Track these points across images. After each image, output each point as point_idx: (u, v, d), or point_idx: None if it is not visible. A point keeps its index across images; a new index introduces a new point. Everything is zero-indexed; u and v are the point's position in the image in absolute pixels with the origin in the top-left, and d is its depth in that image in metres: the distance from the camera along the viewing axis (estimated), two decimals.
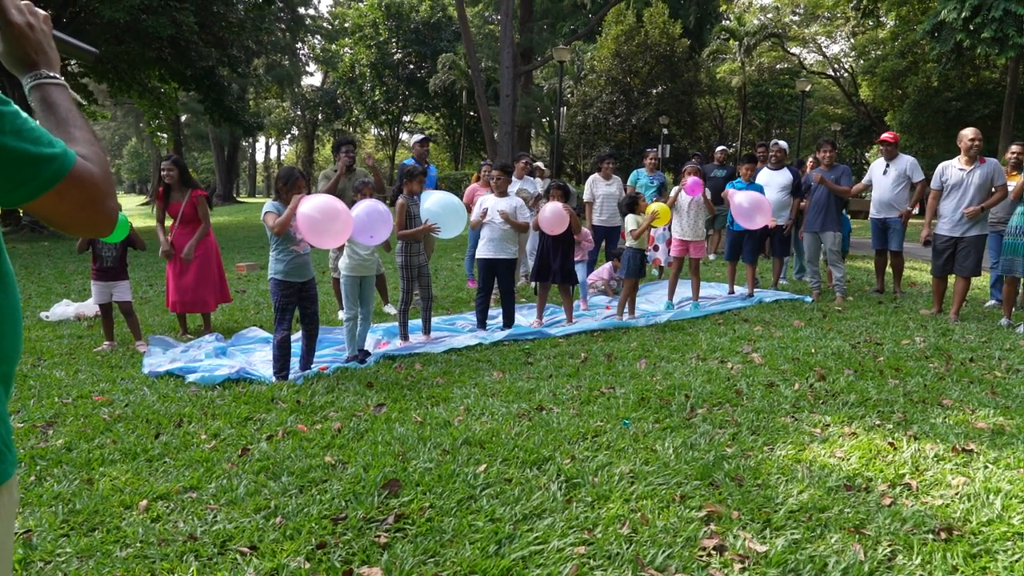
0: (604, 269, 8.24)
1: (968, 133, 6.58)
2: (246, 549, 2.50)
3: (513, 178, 7.95)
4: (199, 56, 17.66)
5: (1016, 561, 2.44)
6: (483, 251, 6.18)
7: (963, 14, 17.24)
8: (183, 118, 39.72)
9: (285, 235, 4.48)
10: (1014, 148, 6.99)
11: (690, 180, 6.91)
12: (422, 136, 7.50)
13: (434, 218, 5.58)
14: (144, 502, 2.84)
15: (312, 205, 4.32)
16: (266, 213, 4.54)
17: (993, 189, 6.46)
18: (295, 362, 4.81)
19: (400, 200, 5.59)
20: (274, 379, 4.56)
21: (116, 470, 3.17)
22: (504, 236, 6.08)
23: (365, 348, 5.26)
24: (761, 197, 7.13)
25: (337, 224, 4.37)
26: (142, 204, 44.64)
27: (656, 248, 8.73)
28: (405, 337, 5.70)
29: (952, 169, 6.58)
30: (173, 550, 2.50)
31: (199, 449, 3.40)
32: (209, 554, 2.49)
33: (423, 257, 5.76)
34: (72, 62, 18.89)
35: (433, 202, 5.67)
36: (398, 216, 5.52)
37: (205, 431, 3.65)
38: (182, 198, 5.83)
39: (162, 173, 5.86)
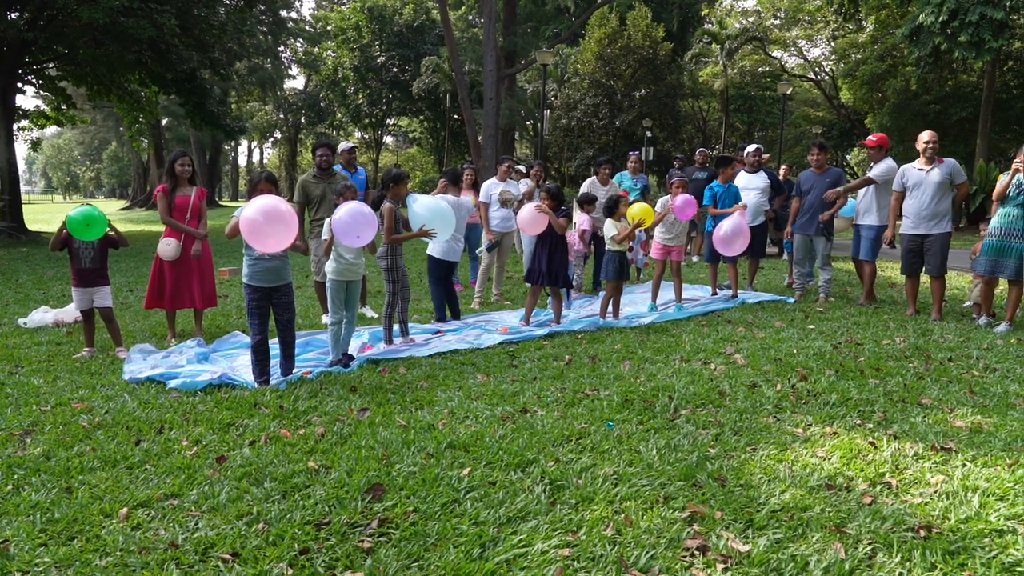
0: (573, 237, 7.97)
1: (923, 136, 6.78)
2: (228, 556, 2.48)
3: (496, 180, 8.00)
4: (180, 59, 17.47)
5: (993, 558, 2.48)
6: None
7: (940, 18, 17.49)
8: (164, 122, 39.35)
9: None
10: None
11: (679, 200, 6.92)
12: (351, 145, 7.66)
13: (427, 222, 5.57)
14: (124, 510, 2.80)
15: (255, 207, 4.23)
16: (233, 216, 4.53)
17: (954, 187, 6.67)
18: (277, 368, 4.78)
19: (388, 204, 5.58)
20: (256, 384, 4.53)
21: (96, 478, 3.13)
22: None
23: (349, 352, 5.24)
24: (742, 224, 7.22)
25: (279, 227, 4.23)
26: (122, 208, 44.19)
27: (631, 249, 8.71)
28: (390, 340, 5.70)
29: (912, 171, 6.75)
30: (154, 558, 2.47)
31: (180, 456, 3.37)
32: (191, 561, 2.46)
33: (403, 259, 5.79)
34: (51, 64, 18.67)
35: (422, 206, 5.65)
36: (388, 220, 5.51)
37: (186, 437, 3.61)
38: (189, 193, 5.88)
39: (180, 168, 5.88)
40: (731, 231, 7.17)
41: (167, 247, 5.78)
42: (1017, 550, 2.52)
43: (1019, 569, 2.42)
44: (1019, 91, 25.77)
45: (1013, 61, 25.05)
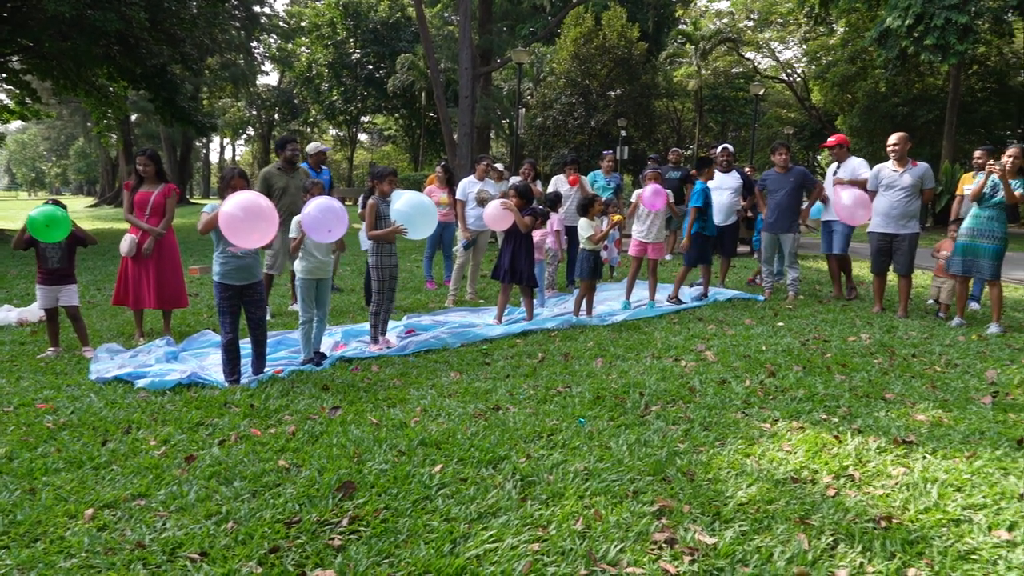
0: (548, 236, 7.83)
1: (890, 139, 6.95)
2: (196, 556, 2.46)
3: (474, 179, 8.01)
4: (149, 53, 17.18)
5: (950, 546, 2.55)
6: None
7: (907, 22, 17.84)
8: (133, 117, 38.64)
9: (220, 236, 4.41)
10: (977, 153, 7.26)
11: (649, 190, 6.93)
12: (323, 148, 7.94)
13: (403, 219, 5.52)
14: (90, 511, 2.77)
15: (234, 203, 4.18)
16: (202, 213, 4.49)
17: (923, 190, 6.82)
18: (249, 366, 4.74)
19: (371, 200, 5.55)
20: (226, 383, 4.48)
21: (60, 479, 3.08)
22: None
23: (321, 350, 5.21)
24: (859, 195, 7.08)
25: (260, 224, 4.19)
26: (90, 206, 43.31)
27: (606, 248, 8.70)
28: (376, 340, 5.62)
29: (886, 170, 6.89)
30: (120, 559, 2.45)
31: (148, 456, 3.33)
32: (158, 562, 2.44)
33: (395, 258, 5.70)
34: (15, 57, 18.23)
35: (403, 203, 5.60)
36: (368, 217, 5.50)
37: (154, 437, 3.57)
38: (152, 190, 5.79)
39: (138, 168, 5.80)
40: (852, 202, 7.08)
41: (123, 243, 5.74)
42: (973, 539, 2.60)
43: (974, 557, 2.50)
44: (983, 94, 26.40)
45: (977, 65, 25.64)
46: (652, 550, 2.50)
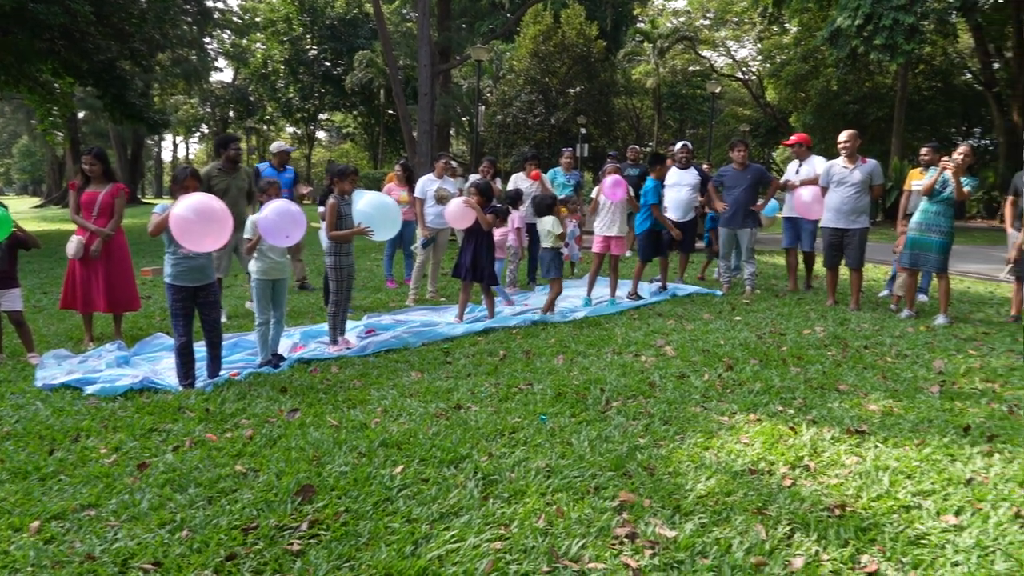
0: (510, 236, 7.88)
1: (841, 136, 7.13)
2: (149, 566, 2.40)
3: (433, 176, 7.95)
4: (97, 49, 16.58)
5: (901, 532, 2.63)
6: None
7: (857, 22, 18.33)
8: (80, 115, 37.38)
9: (171, 237, 4.29)
10: (924, 150, 7.51)
11: (609, 181, 6.98)
12: (287, 148, 8.02)
13: (366, 220, 5.44)
14: (36, 523, 2.67)
15: (186, 205, 4.06)
16: (152, 214, 4.36)
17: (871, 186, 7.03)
18: (204, 369, 4.62)
19: (331, 200, 5.46)
20: (180, 388, 4.37)
21: (4, 491, 2.96)
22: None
23: (279, 352, 5.11)
24: (817, 191, 7.39)
25: (212, 227, 4.09)
26: (35, 207, 41.80)
27: (567, 245, 8.72)
28: (335, 340, 5.53)
29: (837, 167, 7.07)
30: (69, 572, 2.37)
31: (98, 464, 3.22)
32: (109, 573, 2.37)
33: (352, 258, 5.61)
34: None
35: (366, 203, 5.51)
36: (329, 216, 5.40)
37: (105, 445, 3.46)
38: (99, 189, 5.60)
39: (84, 167, 5.59)
40: (811, 198, 7.41)
41: (70, 244, 5.54)
42: (922, 524, 2.68)
43: (924, 542, 2.58)
44: (929, 93, 27.32)
45: (924, 65, 26.50)
46: (613, 545, 2.52)
